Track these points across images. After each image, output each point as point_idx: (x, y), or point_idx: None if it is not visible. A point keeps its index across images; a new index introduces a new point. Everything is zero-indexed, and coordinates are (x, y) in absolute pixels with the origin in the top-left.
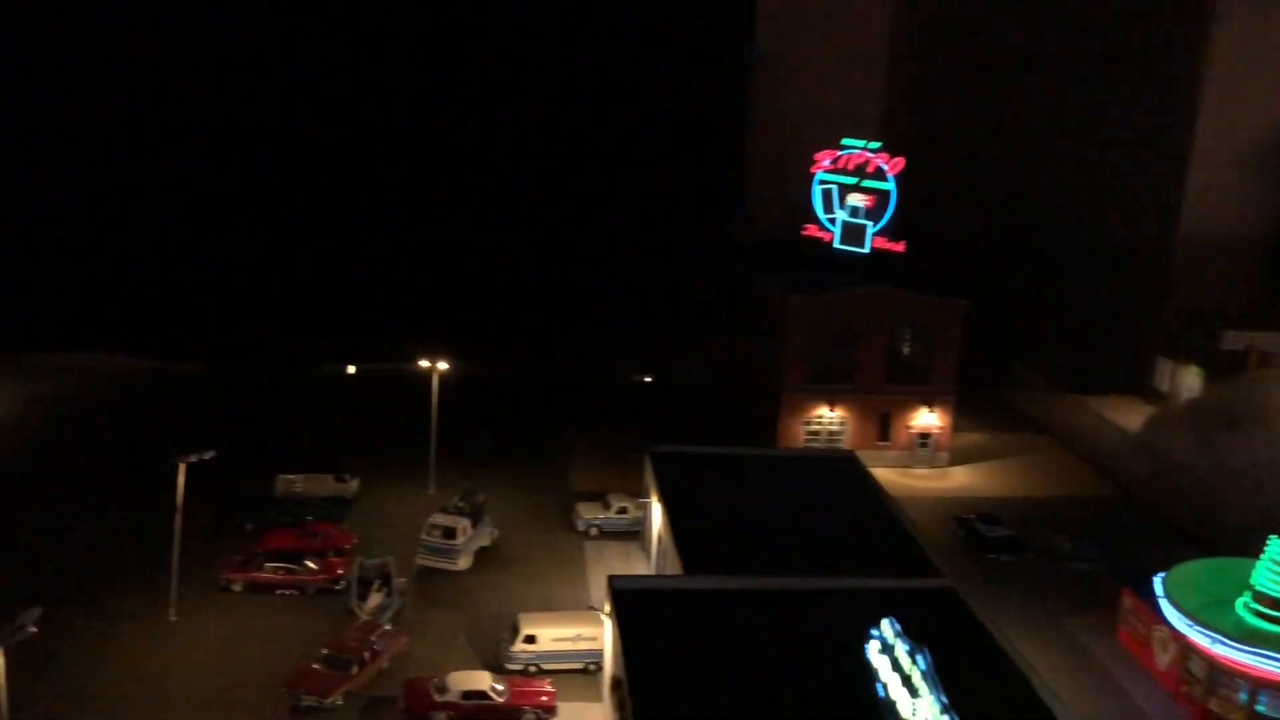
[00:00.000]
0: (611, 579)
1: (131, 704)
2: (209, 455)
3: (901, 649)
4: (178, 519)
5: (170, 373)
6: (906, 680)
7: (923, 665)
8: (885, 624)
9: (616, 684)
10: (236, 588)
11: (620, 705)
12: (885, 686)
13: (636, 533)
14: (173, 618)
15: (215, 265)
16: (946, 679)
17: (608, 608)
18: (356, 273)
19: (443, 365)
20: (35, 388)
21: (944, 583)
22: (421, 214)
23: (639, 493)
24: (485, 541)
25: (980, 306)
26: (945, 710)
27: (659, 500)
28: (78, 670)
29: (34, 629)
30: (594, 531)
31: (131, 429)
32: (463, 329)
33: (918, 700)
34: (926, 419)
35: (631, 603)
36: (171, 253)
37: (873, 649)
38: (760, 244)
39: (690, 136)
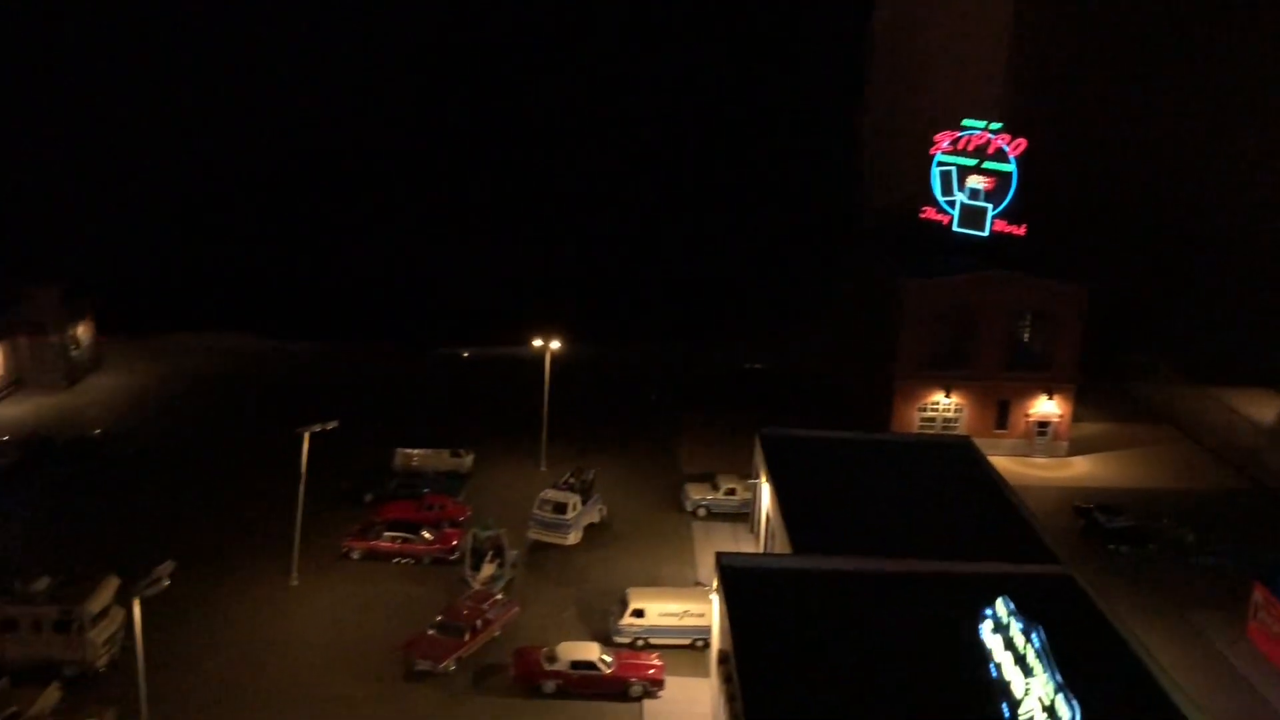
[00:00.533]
0: (719, 555)
1: (254, 662)
2: (332, 425)
3: (1015, 627)
4: (301, 487)
5: (297, 353)
6: (1020, 660)
7: (1037, 643)
8: (999, 603)
9: (724, 658)
10: (355, 555)
11: (727, 679)
12: (998, 667)
13: (744, 514)
14: (294, 582)
15: (342, 252)
16: (1062, 663)
17: (716, 584)
18: (478, 259)
19: (555, 344)
20: (173, 364)
21: (1062, 569)
22: (542, 201)
23: (747, 475)
24: (594, 518)
25: (1104, 293)
26: (1059, 689)
27: (768, 481)
28: (204, 628)
29: (166, 582)
30: (702, 512)
31: (262, 403)
32: (579, 314)
33: (1031, 680)
34: (1046, 407)
35: (739, 580)
36: (306, 240)
37: (986, 629)
38: (877, 228)
39: (805, 119)
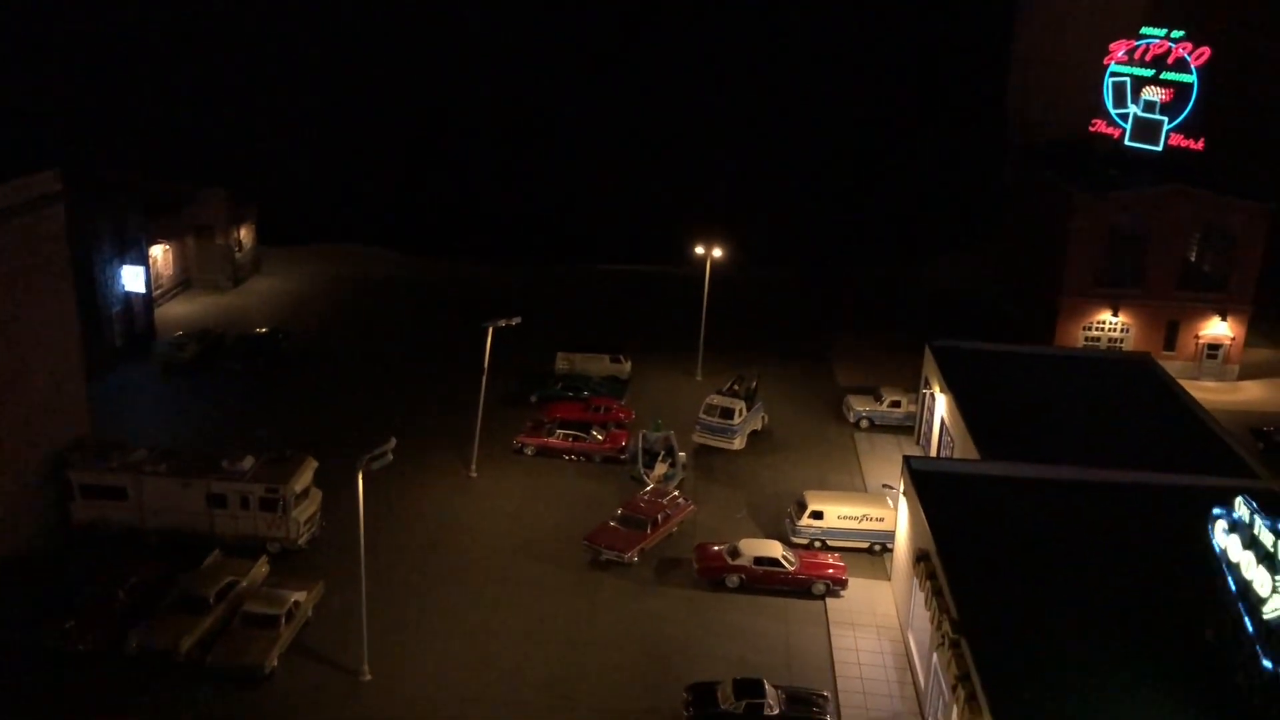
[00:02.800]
0: (907, 458)
1: (444, 544)
2: (515, 320)
3: (1261, 524)
4: (484, 379)
5: (455, 269)
6: (1267, 556)
7: None
8: (1239, 501)
9: (921, 556)
10: (529, 452)
11: (929, 576)
12: (1235, 568)
13: (908, 427)
14: (474, 474)
15: (507, 171)
16: None
17: (901, 487)
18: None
19: (717, 253)
20: (334, 270)
21: (1265, 485)
22: (702, 116)
23: (910, 389)
24: (757, 425)
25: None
26: None
27: (946, 390)
28: (392, 512)
29: (390, 456)
30: (865, 423)
31: (424, 309)
32: (738, 232)
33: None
34: (1218, 329)
35: (929, 482)
36: (467, 160)
37: (1218, 529)
38: (1037, 144)
39: (955, 26)
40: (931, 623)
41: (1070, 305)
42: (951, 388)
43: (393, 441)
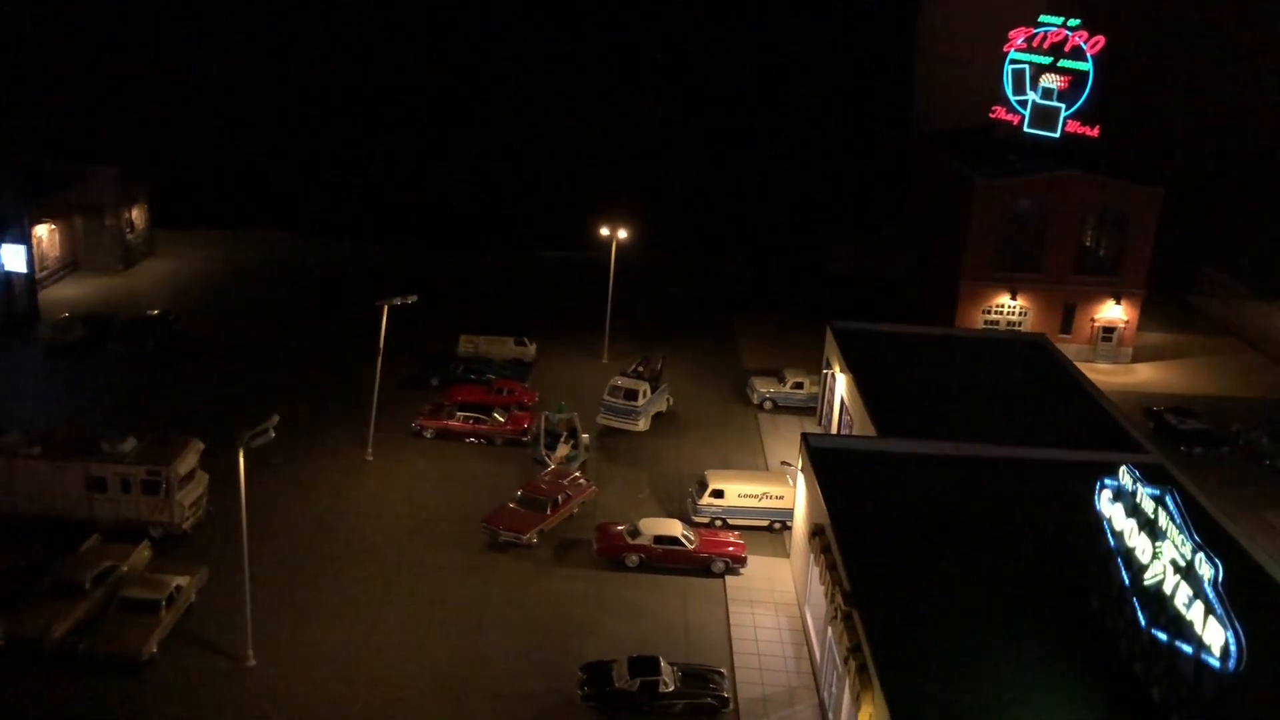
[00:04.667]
0: (806, 436)
1: (336, 528)
2: (411, 299)
3: (1144, 492)
4: (379, 360)
5: (369, 254)
6: (1147, 524)
7: (1171, 505)
8: (1123, 470)
9: (817, 530)
10: (428, 434)
11: (824, 550)
12: (1118, 536)
13: (810, 409)
14: (370, 457)
15: (410, 155)
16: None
17: (800, 464)
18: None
19: (622, 234)
20: (226, 254)
21: (1152, 459)
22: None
23: (811, 371)
24: (661, 407)
25: (1171, 202)
26: (1198, 549)
27: (845, 370)
28: (282, 494)
29: (273, 433)
30: (768, 405)
31: (319, 292)
32: (644, 215)
33: (1161, 544)
34: (1113, 312)
35: (827, 459)
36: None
37: (1104, 498)
38: (939, 130)
39: (864, 19)
40: (826, 596)
41: (970, 289)
42: (851, 368)
43: (275, 418)
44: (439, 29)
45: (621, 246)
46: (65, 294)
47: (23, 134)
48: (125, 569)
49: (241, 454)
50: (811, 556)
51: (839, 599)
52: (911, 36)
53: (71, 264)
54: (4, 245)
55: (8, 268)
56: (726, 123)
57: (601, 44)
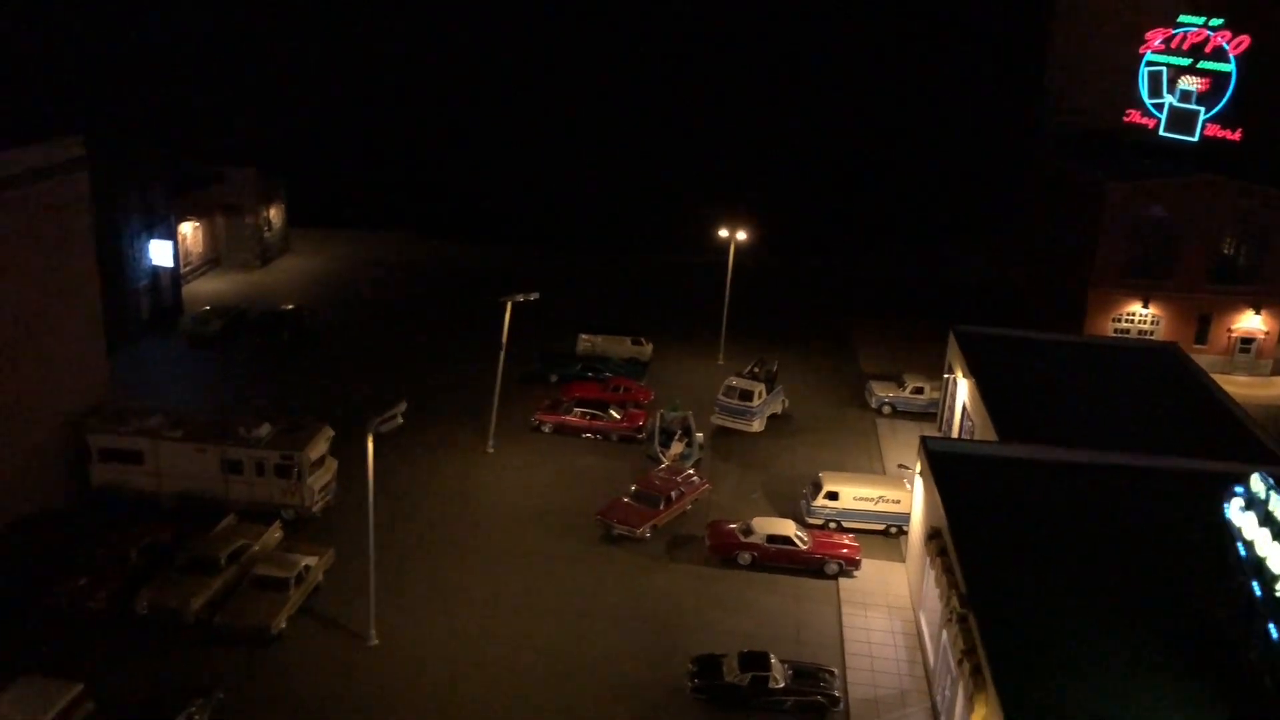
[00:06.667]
0: (925, 439)
1: (457, 515)
2: (534, 296)
3: (1277, 501)
4: (501, 355)
5: (495, 255)
6: None
7: None
8: (1255, 478)
9: (933, 534)
10: (546, 429)
11: (940, 553)
12: (1249, 545)
13: (930, 414)
14: (491, 449)
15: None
16: None
17: (918, 468)
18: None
19: (741, 235)
20: (361, 253)
21: None
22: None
23: (932, 376)
24: (777, 409)
25: None
26: None
27: (968, 374)
28: (407, 482)
29: (401, 420)
30: (886, 409)
31: (448, 293)
32: (762, 219)
33: None
34: (1251, 322)
35: (947, 464)
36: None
37: (1233, 507)
38: (1067, 133)
39: (990, 12)
40: (941, 599)
41: (1099, 296)
42: (974, 372)
43: (403, 404)
44: (563, 34)
45: (740, 249)
46: (206, 289)
47: (168, 134)
48: (257, 548)
49: (370, 439)
50: (927, 560)
51: (955, 602)
52: (1044, 36)
53: (213, 260)
54: (152, 241)
55: (155, 263)
56: (849, 126)
57: (725, 47)
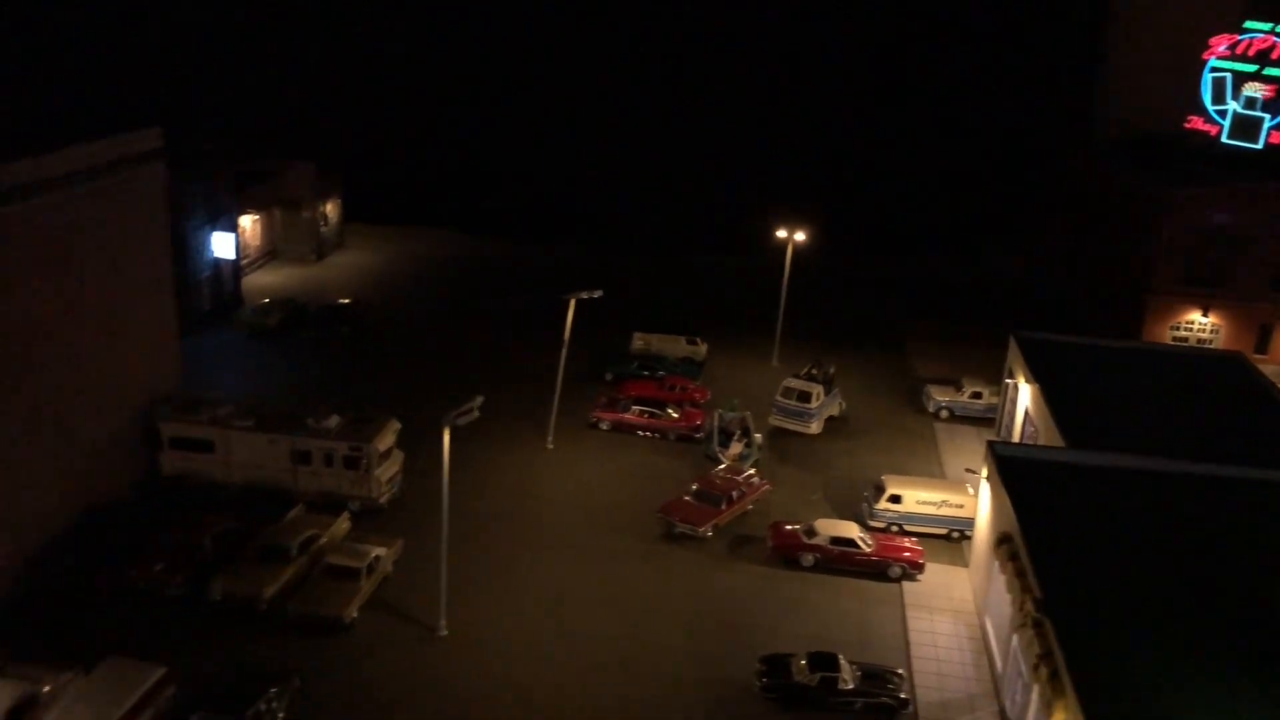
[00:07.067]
0: (991, 444)
1: (519, 510)
2: (597, 293)
3: None
4: (563, 352)
5: (548, 254)
6: None
7: None
8: None
9: (1003, 539)
10: (604, 426)
11: (1012, 557)
12: None
13: (988, 419)
14: (550, 445)
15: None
16: None
17: (985, 473)
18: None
19: (800, 236)
20: (415, 249)
21: None
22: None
23: (990, 380)
24: (834, 411)
25: None
26: None
27: (1030, 380)
28: (470, 476)
29: (477, 413)
30: (944, 414)
31: (502, 290)
32: (815, 225)
33: None
34: None
35: (1014, 468)
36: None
37: None
38: (1124, 138)
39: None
40: (1013, 604)
41: (1158, 304)
42: (1038, 378)
43: (479, 399)
44: (623, 32)
45: (796, 253)
46: (263, 281)
47: (229, 128)
48: (326, 538)
49: (447, 432)
50: (996, 564)
51: (1029, 606)
52: (1099, 40)
53: (269, 253)
54: (215, 233)
55: (217, 255)
56: (902, 128)
57: (787, 54)
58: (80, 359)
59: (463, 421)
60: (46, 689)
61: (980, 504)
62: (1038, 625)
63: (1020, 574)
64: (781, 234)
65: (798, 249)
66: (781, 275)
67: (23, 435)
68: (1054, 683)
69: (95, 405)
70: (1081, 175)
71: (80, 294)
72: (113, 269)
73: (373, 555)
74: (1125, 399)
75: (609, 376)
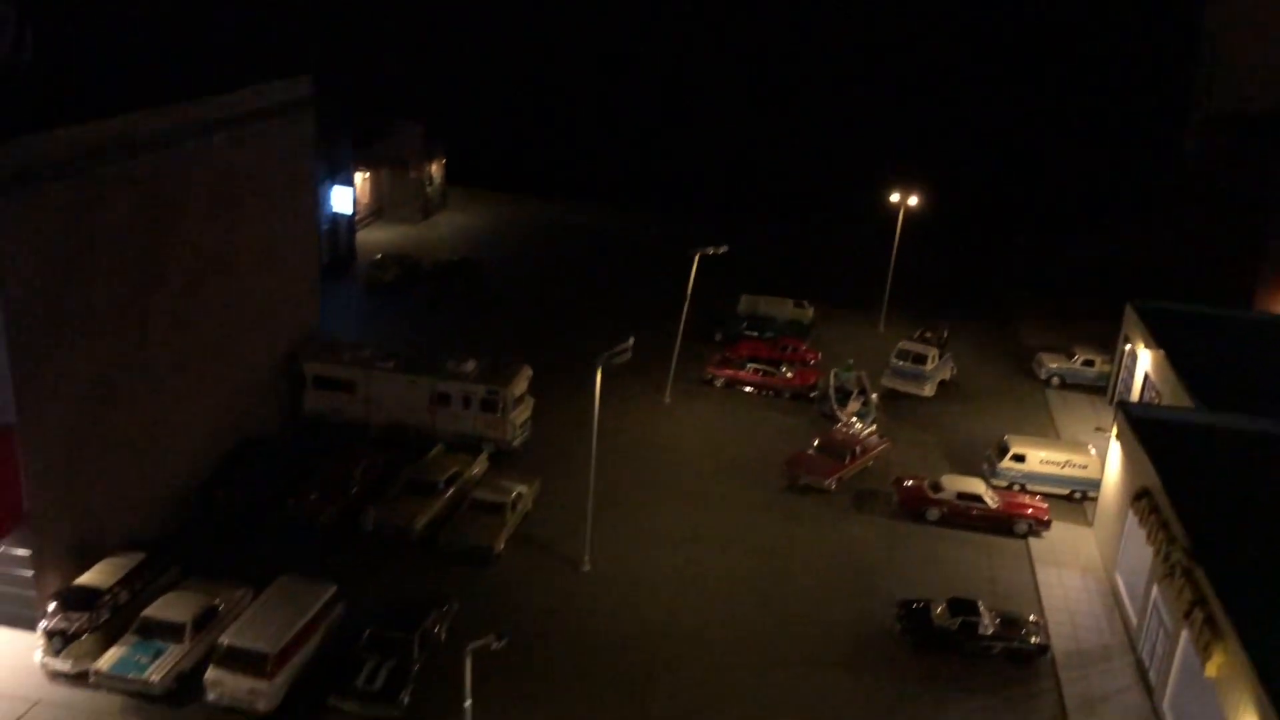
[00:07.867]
0: (1122, 403)
1: (642, 461)
2: (723, 249)
3: None
4: (685, 306)
5: (656, 219)
6: None
7: None
8: None
9: (1141, 494)
10: (719, 383)
11: (1153, 510)
12: None
13: (1099, 387)
14: (668, 400)
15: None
16: None
17: (1115, 433)
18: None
19: (913, 200)
20: (516, 211)
21: None
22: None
23: (1101, 348)
24: (946, 375)
25: None
26: None
27: (1151, 346)
28: (598, 429)
29: (629, 354)
30: (1056, 381)
31: (609, 250)
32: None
33: None
34: None
35: (1147, 428)
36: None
37: None
38: (1241, 112)
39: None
40: (1156, 555)
41: (1275, 282)
42: (1161, 344)
43: (631, 340)
44: (738, 7)
45: (907, 221)
46: (371, 238)
47: (345, 86)
48: (467, 476)
49: (599, 372)
50: (1131, 520)
51: (1176, 555)
52: (1197, 17)
53: (376, 212)
54: (335, 188)
55: (336, 210)
56: (1013, 101)
57: (915, 35)
58: (240, 296)
59: (619, 360)
60: (220, 605)
61: (1109, 463)
62: (1188, 573)
63: (1164, 525)
64: (894, 198)
65: (909, 217)
66: (891, 244)
67: (193, 365)
68: (1210, 626)
69: (251, 342)
70: (1188, 147)
71: (242, 233)
72: (271, 211)
73: (515, 491)
74: (1252, 365)
75: (718, 337)
